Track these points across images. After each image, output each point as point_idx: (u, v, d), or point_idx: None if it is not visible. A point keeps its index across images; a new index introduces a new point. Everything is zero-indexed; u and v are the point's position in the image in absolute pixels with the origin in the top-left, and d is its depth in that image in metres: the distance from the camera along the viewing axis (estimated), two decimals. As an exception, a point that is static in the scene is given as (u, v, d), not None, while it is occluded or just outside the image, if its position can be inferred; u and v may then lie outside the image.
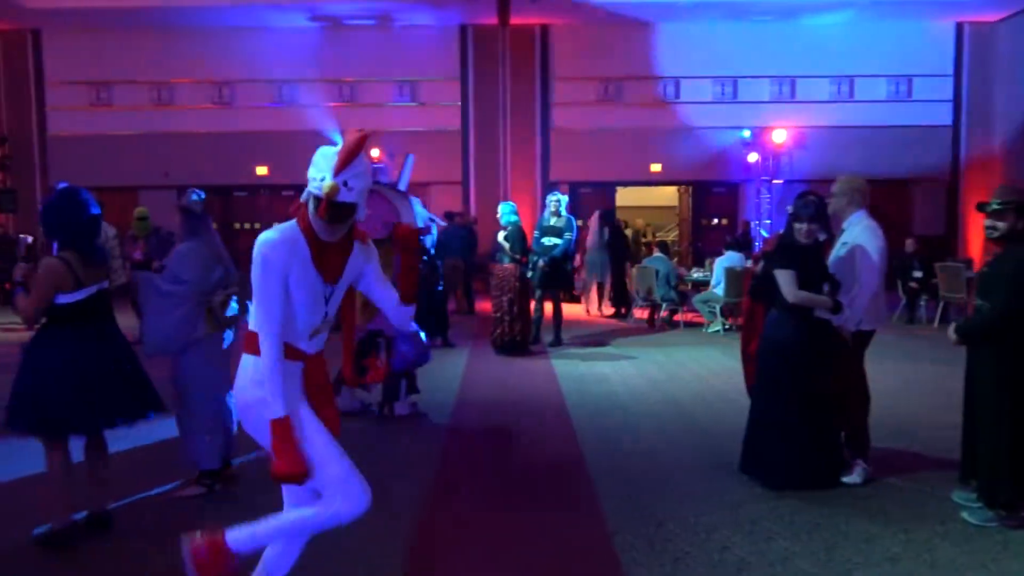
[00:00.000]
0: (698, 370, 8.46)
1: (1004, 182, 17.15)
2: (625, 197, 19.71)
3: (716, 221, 18.68)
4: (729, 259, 11.36)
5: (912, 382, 7.63)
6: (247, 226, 18.16)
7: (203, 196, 4.79)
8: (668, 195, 22.47)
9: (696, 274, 12.54)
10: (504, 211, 9.40)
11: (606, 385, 7.72)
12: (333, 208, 2.68)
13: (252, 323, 2.80)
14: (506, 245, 9.17)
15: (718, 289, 11.25)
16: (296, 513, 2.88)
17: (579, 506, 4.54)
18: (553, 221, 9.82)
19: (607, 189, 18.31)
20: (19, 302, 4.04)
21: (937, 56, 17.66)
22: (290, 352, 2.79)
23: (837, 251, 4.85)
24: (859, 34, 17.40)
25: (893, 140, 17.14)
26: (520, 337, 9.25)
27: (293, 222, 2.79)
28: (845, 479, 4.76)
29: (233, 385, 2.93)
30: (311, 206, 2.73)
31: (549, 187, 17.57)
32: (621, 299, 13.36)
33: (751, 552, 3.83)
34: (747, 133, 17.37)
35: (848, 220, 4.90)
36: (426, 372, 8.29)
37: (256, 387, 2.76)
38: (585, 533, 4.14)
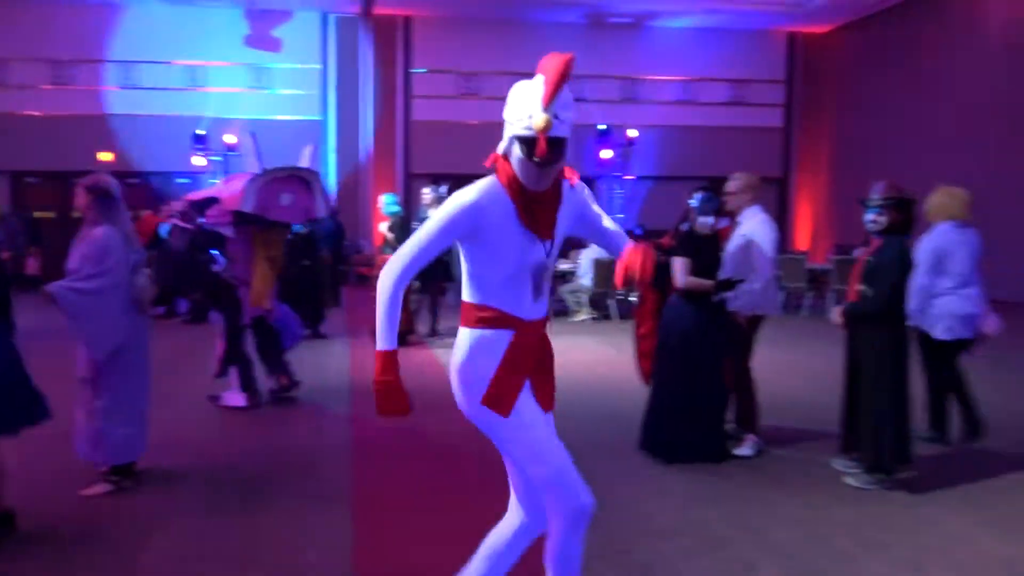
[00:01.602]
0: (578, 357, 8.80)
1: (832, 181, 18.85)
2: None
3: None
4: (596, 250, 11.82)
5: (779, 364, 8.27)
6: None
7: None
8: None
9: (563, 266, 12.93)
10: (387, 202, 9.36)
11: (496, 373, 7.89)
12: (549, 145, 2.36)
13: (464, 293, 2.57)
14: (391, 236, 9.14)
15: (585, 280, 11.70)
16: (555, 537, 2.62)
17: (502, 491, 4.66)
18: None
19: (466, 182, 18.44)
20: None
21: (772, 63, 19.13)
22: (501, 320, 2.52)
23: (734, 242, 5.24)
24: (701, 40, 18.55)
25: (730, 140, 18.43)
26: (404, 328, 9.26)
27: (492, 178, 2.50)
28: (737, 452, 5.18)
29: None
30: (517, 152, 2.41)
31: (410, 179, 17.58)
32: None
33: (674, 519, 4.12)
34: (603, 127, 18.07)
35: (743, 214, 5.31)
36: (312, 363, 8.20)
37: (476, 358, 2.53)
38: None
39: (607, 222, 2.74)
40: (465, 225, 2.45)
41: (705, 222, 4.96)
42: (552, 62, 2.34)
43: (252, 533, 3.96)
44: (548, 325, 2.72)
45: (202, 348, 8.07)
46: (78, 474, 4.64)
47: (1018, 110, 13.75)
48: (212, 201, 6.45)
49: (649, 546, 3.79)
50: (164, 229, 6.58)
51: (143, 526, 4.06)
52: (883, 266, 4.52)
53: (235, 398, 6.39)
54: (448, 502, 4.43)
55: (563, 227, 2.59)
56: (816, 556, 3.70)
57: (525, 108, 2.37)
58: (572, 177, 2.58)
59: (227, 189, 6.73)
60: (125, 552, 3.74)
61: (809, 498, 4.45)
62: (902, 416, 4.56)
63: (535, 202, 2.47)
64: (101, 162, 16.51)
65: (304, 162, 6.77)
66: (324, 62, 17.36)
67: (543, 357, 2.66)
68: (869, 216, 4.63)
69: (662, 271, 5.43)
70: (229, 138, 16.62)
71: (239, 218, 6.26)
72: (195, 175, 16.97)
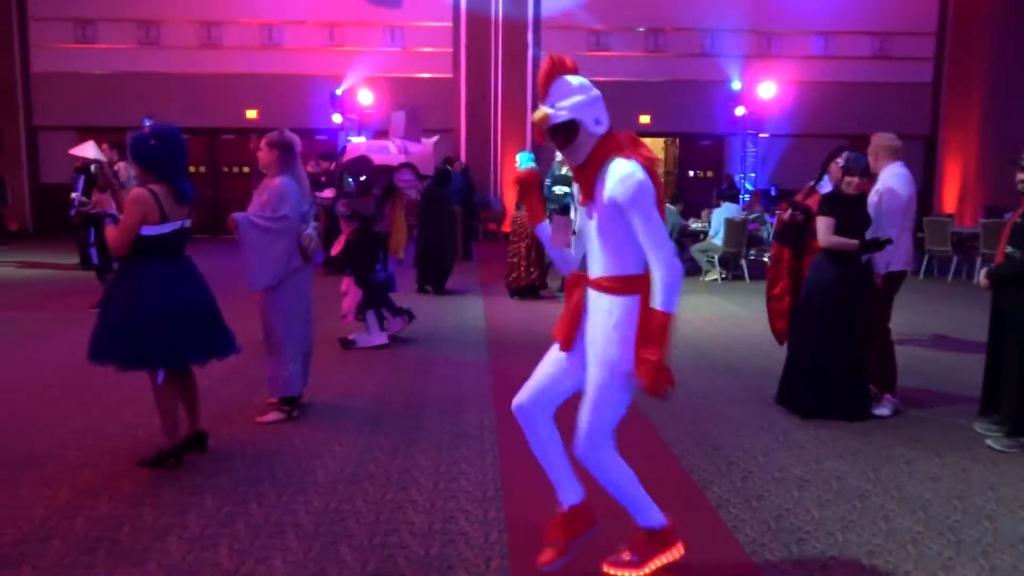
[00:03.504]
0: (708, 315, 8.87)
1: (982, 140, 17.79)
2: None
3: (701, 173, 19.07)
4: (727, 210, 11.73)
5: (920, 327, 8.10)
6: (235, 170, 18.20)
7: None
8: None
9: (694, 225, 12.88)
10: (523, 160, 9.63)
11: (626, 328, 8.08)
12: (552, 131, 2.83)
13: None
14: (526, 193, 9.42)
15: (716, 239, 11.64)
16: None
17: (642, 438, 4.90)
18: (564, 170, 10.07)
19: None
20: (108, 232, 4.18)
21: (920, 14, 18.05)
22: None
23: (871, 198, 5.21)
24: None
25: (872, 96, 17.59)
26: (537, 282, 9.58)
27: None
28: (876, 411, 5.19)
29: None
30: None
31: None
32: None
33: (806, 472, 4.23)
34: (737, 85, 17.65)
35: (883, 172, 5.26)
36: (448, 314, 8.64)
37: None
38: (656, 462, 4.48)
39: (637, 221, 2.74)
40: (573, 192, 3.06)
41: (850, 181, 4.94)
42: (542, 65, 2.88)
43: (408, 459, 4.36)
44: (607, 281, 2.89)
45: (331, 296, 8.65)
46: (250, 404, 5.23)
47: None
48: (401, 167, 7.35)
49: (784, 493, 3.94)
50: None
51: (313, 449, 4.54)
52: (1033, 227, 4.42)
53: (373, 339, 7.02)
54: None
55: (603, 197, 2.79)
56: (951, 511, 3.75)
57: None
58: (623, 163, 2.76)
59: (409, 154, 7.57)
60: (300, 469, 4.21)
61: (947, 457, 4.47)
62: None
63: (579, 172, 2.90)
64: (247, 119, 17.58)
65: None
66: (456, 18, 17.69)
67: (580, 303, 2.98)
68: (1020, 176, 4.51)
69: (795, 231, 5.49)
70: (364, 97, 17.30)
71: (420, 179, 7.56)
72: (333, 132, 17.79)
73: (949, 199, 18.44)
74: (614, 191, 2.74)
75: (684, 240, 12.57)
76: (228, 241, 8.06)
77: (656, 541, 3.03)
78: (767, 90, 17.66)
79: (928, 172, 18.48)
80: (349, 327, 7.19)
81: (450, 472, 4.19)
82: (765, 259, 11.77)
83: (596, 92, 2.86)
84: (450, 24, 17.65)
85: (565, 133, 2.81)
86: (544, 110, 2.81)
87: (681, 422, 5.08)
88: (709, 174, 18.92)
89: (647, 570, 3.02)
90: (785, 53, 17.96)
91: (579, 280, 3.00)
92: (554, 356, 3.05)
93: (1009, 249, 4.60)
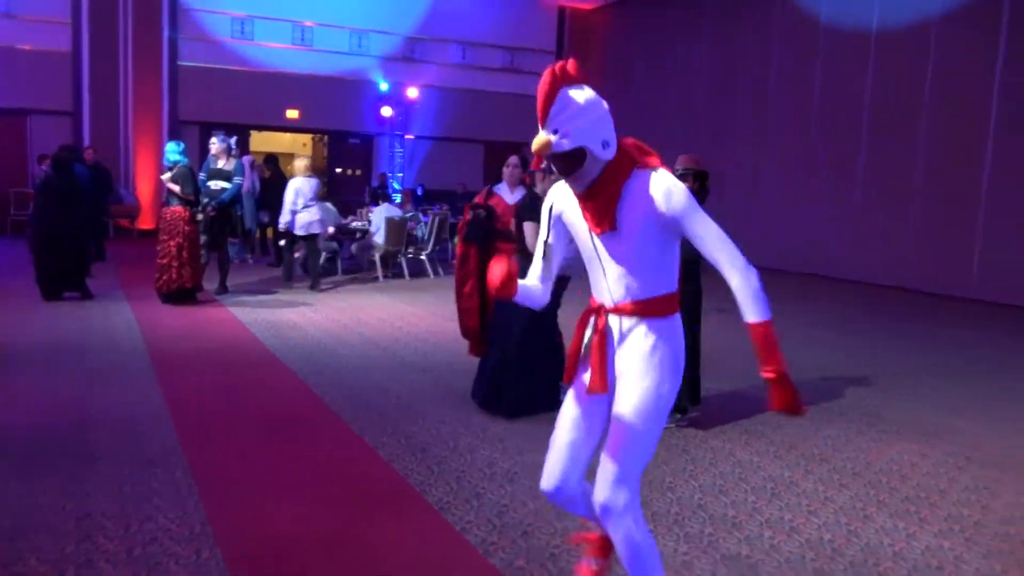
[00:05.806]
0: (379, 314, 8.90)
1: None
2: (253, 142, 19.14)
3: (351, 171, 19.09)
4: (388, 210, 11.89)
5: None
6: None
7: None
8: (288, 142, 22.25)
9: (355, 223, 12.82)
10: (171, 150, 8.76)
11: (301, 331, 7.79)
12: (556, 158, 2.42)
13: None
14: (175, 187, 8.58)
15: (378, 237, 11.72)
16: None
17: (346, 442, 4.75)
18: (221, 164, 9.41)
19: (243, 133, 17.59)
20: None
21: (542, 33, 19.97)
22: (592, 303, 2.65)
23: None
24: (479, 4, 18.91)
25: (505, 106, 19.07)
26: (190, 284, 8.79)
27: None
28: (562, 399, 5.62)
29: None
30: None
31: (178, 126, 16.40)
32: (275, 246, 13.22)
33: (513, 465, 4.44)
34: (384, 86, 17.95)
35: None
36: (93, 328, 7.64)
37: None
38: (369, 468, 4.37)
39: (698, 228, 2.42)
40: (552, 215, 2.67)
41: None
42: (542, 78, 2.41)
43: (86, 500, 3.74)
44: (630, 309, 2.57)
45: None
46: None
47: (758, 95, 15.57)
48: None
49: (497, 489, 4.08)
50: None
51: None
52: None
53: None
54: (279, 452, 4.44)
55: (634, 218, 2.46)
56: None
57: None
58: (644, 169, 2.50)
59: None
60: (-61, 530, 3.40)
61: (623, 438, 4.98)
62: (694, 362, 5.21)
63: (586, 199, 2.51)
64: None
65: None
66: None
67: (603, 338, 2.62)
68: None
69: (479, 229, 5.74)
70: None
71: None
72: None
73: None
74: (662, 206, 2.40)
75: (342, 238, 12.47)
76: None
77: None
78: (412, 93, 18.24)
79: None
80: None
81: (142, 510, 3.66)
82: (422, 257, 12.19)
83: (604, 108, 2.48)
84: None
85: (569, 161, 2.42)
86: (544, 137, 2.37)
87: (384, 425, 5.03)
88: (359, 172, 19.02)
89: None
90: (428, 59, 18.68)
91: (599, 311, 2.62)
92: (570, 416, 2.69)
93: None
